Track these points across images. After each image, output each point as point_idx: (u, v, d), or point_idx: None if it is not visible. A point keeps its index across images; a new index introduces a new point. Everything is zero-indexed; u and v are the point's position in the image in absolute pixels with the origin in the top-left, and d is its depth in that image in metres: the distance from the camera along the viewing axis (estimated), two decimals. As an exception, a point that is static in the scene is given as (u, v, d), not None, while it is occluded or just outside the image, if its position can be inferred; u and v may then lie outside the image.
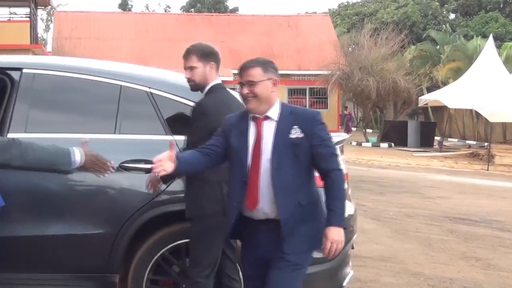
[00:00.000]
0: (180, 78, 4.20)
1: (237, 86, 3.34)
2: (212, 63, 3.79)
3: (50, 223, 3.94)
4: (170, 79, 4.45)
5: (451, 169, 17.75)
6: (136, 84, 4.16)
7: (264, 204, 3.14)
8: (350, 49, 28.94)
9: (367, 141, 26.51)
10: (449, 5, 47.33)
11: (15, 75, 4.08)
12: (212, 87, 3.78)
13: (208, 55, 3.79)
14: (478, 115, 25.28)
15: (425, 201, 11.11)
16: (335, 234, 3.09)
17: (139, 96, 4.13)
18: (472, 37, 34.18)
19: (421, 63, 32.06)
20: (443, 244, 7.57)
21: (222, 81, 3.95)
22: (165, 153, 3.08)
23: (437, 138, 26.29)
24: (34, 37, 26.41)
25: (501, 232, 8.53)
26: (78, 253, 3.96)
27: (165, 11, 54.33)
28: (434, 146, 25.49)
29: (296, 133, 3.14)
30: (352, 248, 4.65)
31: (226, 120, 3.31)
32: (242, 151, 3.17)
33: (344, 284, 4.33)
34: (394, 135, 26.16)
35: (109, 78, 4.17)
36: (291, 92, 32.94)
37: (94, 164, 3.37)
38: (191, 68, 3.77)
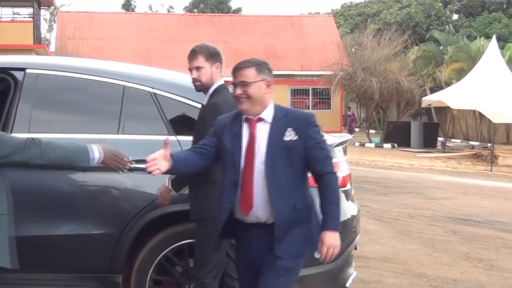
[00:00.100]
0: (183, 78, 4.20)
1: (230, 87, 3.31)
2: (218, 63, 3.78)
3: (53, 224, 3.95)
4: (173, 79, 4.45)
5: (454, 170, 17.71)
6: (140, 84, 4.17)
7: (258, 208, 3.08)
8: (353, 49, 28.94)
9: (370, 141, 26.47)
10: (452, 5, 47.23)
11: (18, 75, 4.10)
12: (217, 87, 3.77)
13: (214, 55, 3.78)
14: (481, 115, 25.21)
15: (428, 202, 11.09)
16: (331, 239, 3.05)
17: (142, 97, 4.14)
18: (475, 38, 34.06)
19: (424, 64, 31.96)
20: (446, 245, 7.55)
21: (225, 81, 3.94)
22: (159, 152, 3.02)
23: (440, 138, 26.23)
24: (37, 37, 26.48)
25: (505, 233, 8.51)
26: (81, 253, 3.97)
27: (168, 11, 54.32)
28: (437, 147, 25.46)
29: (290, 135, 3.09)
30: (355, 248, 4.64)
31: (219, 120, 3.25)
32: (235, 152, 3.11)
33: (347, 284, 4.33)
34: (397, 136, 26.12)
35: (112, 79, 4.18)
36: (294, 92, 32.92)
37: (113, 161, 3.33)
38: (198, 68, 3.73)
